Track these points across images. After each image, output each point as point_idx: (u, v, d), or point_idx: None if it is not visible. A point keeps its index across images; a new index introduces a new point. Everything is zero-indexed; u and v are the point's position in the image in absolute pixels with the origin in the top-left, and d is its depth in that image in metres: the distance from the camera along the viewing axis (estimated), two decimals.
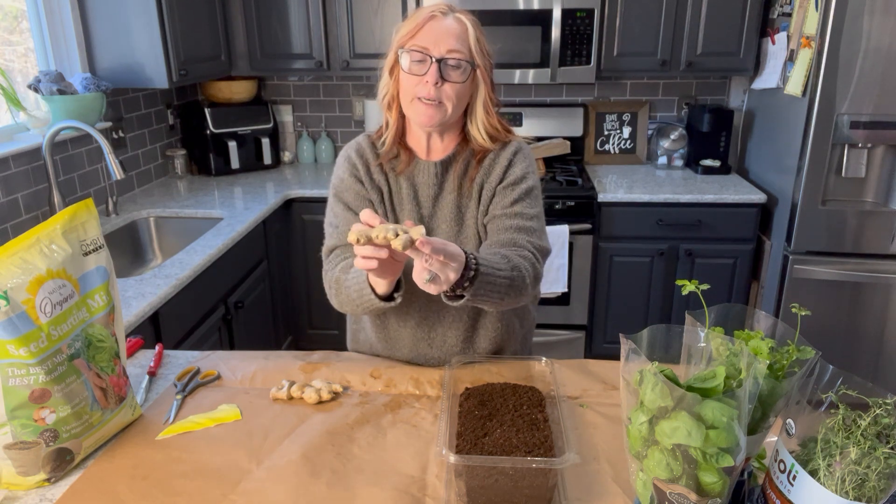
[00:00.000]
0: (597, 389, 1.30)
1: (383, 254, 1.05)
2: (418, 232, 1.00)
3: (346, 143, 1.45)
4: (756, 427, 0.88)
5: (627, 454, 0.89)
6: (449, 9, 1.30)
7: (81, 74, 2.49)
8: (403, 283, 1.24)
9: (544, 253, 1.34)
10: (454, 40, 1.25)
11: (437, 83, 1.25)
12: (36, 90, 2.34)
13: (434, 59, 1.24)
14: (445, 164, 1.38)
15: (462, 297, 1.15)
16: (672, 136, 3.30)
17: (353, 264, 1.28)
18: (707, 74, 3.30)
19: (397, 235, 0.99)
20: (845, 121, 2.48)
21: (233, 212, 2.66)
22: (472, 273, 1.12)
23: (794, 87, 2.64)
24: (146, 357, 1.44)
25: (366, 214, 1.05)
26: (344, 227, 1.37)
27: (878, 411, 0.78)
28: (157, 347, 1.45)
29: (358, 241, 1.01)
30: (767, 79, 2.92)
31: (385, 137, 1.39)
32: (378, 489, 1.03)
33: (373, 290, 1.22)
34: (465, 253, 1.11)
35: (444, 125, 1.32)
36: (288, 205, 3.00)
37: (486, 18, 2.87)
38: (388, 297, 1.24)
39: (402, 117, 1.37)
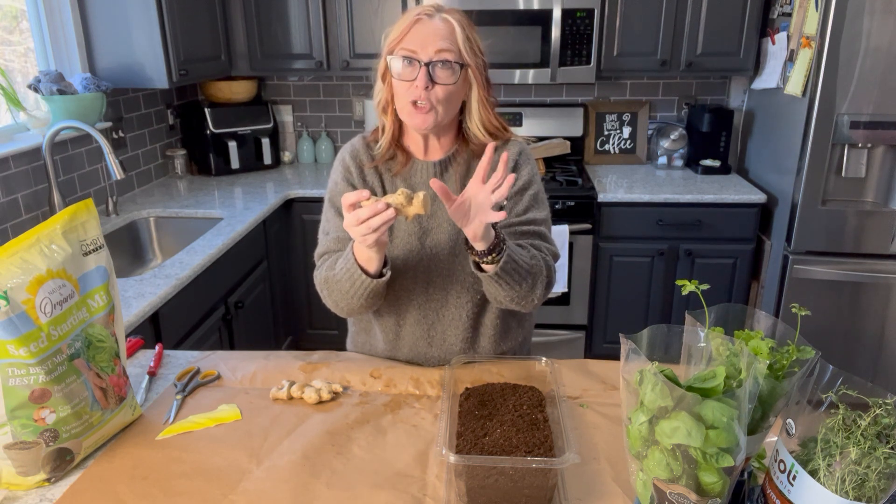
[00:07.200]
0: (597, 389, 1.30)
1: (390, 213, 1.08)
2: (419, 198, 1.09)
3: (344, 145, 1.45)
4: (756, 427, 0.88)
5: (627, 454, 0.89)
6: (435, 10, 1.27)
7: (81, 74, 2.49)
8: (389, 262, 1.28)
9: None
10: (442, 41, 1.23)
11: (426, 87, 1.23)
12: (36, 90, 2.34)
13: (422, 63, 1.23)
14: (444, 164, 1.38)
15: (491, 262, 1.18)
16: (672, 136, 3.30)
17: (337, 260, 1.29)
18: (707, 74, 3.30)
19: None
20: (845, 121, 2.48)
21: (233, 212, 2.66)
22: (503, 241, 1.18)
23: (794, 87, 2.64)
24: (146, 357, 1.44)
25: (352, 196, 1.09)
26: (335, 234, 1.36)
27: (878, 411, 0.78)
28: (157, 347, 1.45)
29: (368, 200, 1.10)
30: (767, 79, 2.92)
31: (381, 140, 1.39)
32: (378, 489, 1.03)
33: (364, 271, 1.23)
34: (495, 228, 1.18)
35: (439, 127, 1.32)
36: (288, 205, 3.00)
37: (486, 18, 2.88)
38: (378, 276, 1.25)
39: (397, 120, 1.36)
